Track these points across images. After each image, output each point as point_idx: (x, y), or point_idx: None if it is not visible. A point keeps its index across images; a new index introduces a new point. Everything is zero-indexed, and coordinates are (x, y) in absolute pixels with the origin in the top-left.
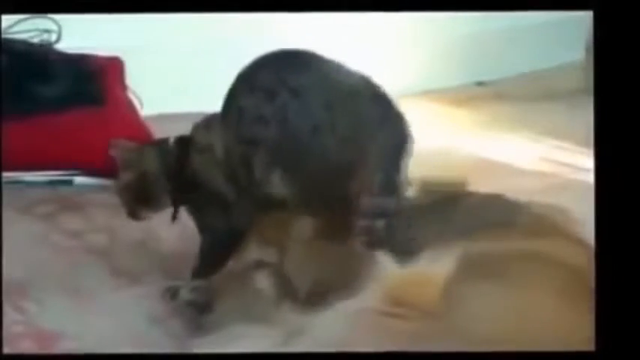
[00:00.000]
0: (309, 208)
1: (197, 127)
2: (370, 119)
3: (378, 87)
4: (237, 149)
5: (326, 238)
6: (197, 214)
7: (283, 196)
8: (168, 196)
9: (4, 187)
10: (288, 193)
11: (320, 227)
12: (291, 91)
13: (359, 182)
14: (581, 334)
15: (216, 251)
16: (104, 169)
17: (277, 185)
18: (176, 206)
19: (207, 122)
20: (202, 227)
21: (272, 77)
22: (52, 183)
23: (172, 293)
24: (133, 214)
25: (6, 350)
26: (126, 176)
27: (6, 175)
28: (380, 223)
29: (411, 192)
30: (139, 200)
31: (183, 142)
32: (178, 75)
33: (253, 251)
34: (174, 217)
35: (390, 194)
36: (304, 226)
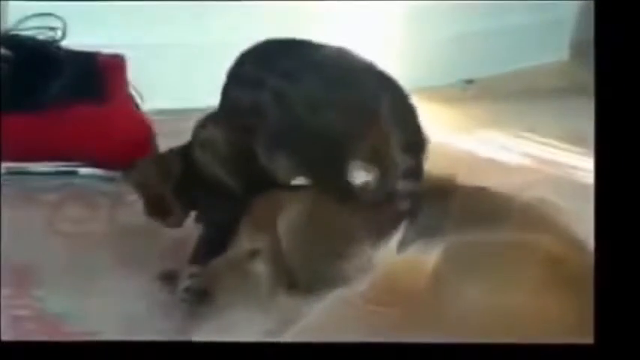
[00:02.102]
0: (315, 186)
1: (196, 129)
2: (370, 87)
3: (362, 57)
4: (238, 140)
5: (323, 218)
6: (200, 207)
7: (289, 178)
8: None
9: (10, 176)
10: (294, 174)
11: (316, 207)
12: (282, 74)
13: (372, 150)
14: (569, 325)
15: (218, 241)
16: (106, 162)
17: (283, 167)
18: (185, 211)
19: (204, 122)
20: (205, 219)
21: (256, 66)
22: (57, 173)
23: (172, 280)
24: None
25: (11, 334)
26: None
27: (13, 165)
28: (415, 186)
29: None
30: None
31: (183, 150)
32: (179, 71)
33: (249, 237)
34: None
35: (415, 153)
36: (300, 207)
